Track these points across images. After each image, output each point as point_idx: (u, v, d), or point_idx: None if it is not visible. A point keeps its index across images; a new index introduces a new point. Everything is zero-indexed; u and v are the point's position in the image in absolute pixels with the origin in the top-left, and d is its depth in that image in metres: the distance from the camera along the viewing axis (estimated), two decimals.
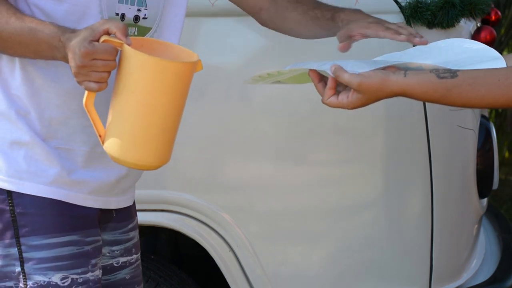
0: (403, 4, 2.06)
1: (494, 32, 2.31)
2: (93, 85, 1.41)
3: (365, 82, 1.49)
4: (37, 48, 1.44)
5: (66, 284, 1.54)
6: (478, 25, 2.34)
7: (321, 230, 2.16)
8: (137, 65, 1.42)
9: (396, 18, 2.07)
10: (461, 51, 1.63)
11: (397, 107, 2.06)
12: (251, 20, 2.05)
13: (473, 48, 1.63)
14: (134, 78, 1.42)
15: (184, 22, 1.86)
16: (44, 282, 1.54)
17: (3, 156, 1.52)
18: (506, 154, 4.93)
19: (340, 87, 1.56)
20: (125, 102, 1.43)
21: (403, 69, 1.54)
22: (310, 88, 1.94)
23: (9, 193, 1.53)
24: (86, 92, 1.43)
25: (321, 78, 1.59)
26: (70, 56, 1.40)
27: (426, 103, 2.09)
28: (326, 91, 1.56)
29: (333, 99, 1.55)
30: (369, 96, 1.51)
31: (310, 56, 2.08)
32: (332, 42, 2.09)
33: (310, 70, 1.59)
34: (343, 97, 1.54)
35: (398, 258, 2.19)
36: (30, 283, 1.54)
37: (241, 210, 2.14)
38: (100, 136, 1.45)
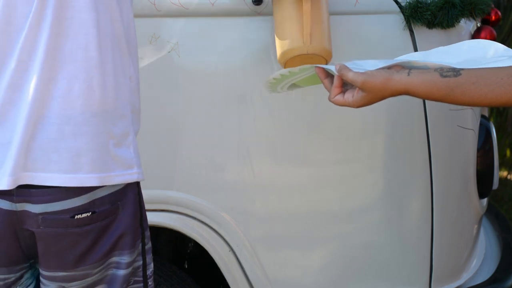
0: (403, 4, 2.06)
1: (494, 32, 2.31)
2: None
3: (369, 81, 1.50)
4: None
5: None
6: (478, 25, 2.34)
7: (321, 230, 2.16)
8: None
9: (396, 18, 2.07)
10: (478, 51, 1.64)
11: (397, 107, 2.06)
12: (252, 20, 2.05)
13: (493, 47, 1.64)
14: None
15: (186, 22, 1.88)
16: (153, 268, 1.64)
17: (136, 149, 1.57)
18: (508, 153, 4.93)
19: (347, 85, 1.57)
20: (319, 9, 1.90)
21: (408, 68, 1.54)
22: (310, 89, 1.95)
23: (139, 184, 1.61)
24: None
25: (328, 74, 1.60)
26: None
27: (426, 103, 2.09)
28: (332, 89, 1.57)
29: (339, 98, 1.57)
30: (373, 94, 1.52)
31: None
32: (337, 44, 2.10)
33: (316, 67, 1.60)
34: (348, 96, 1.55)
35: (398, 258, 2.19)
36: (148, 272, 1.62)
37: (241, 210, 2.14)
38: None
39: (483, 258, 2.49)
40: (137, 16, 2.05)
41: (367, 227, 2.17)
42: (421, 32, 2.07)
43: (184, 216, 2.14)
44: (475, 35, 2.26)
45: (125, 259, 1.55)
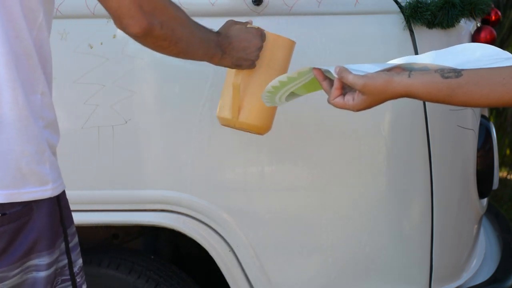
0: (403, 4, 2.06)
1: (494, 32, 2.31)
2: (254, 63, 1.79)
3: (369, 83, 1.49)
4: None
5: None
6: (478, 25, 2.34)
7: (321, 230, 2.16)
8: (281, 46, 1.81)
9: (396, 18, 2.07)
10: (475, 54, 1.63)
11: (397, 107, 2.06)
12: (252, 20, 2.05)
13: (488, 50, 1.63)
14: (278, 58, 1.80)
15: None
16: (81, 263, 1.62)
17: (54, 164, 1.53)
18: (508, 153, 4.93)
19: (346, 88, 1.55)
20: (268, 79, 1.72)
21: (408, 69, 1.53)
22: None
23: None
24: (238, 72, 1.79)
25: (326, 77, 1.58)
26: (242, 45, 1.75)
27: (426, 103, 2.09)
28: (332, 91, 1.55)
29: (339, 100, 1.55)
30: (373, 97, 1.51)
31: (313, 61, 2.09)
32: (337, 44, 2.10)
33: (314, 68, 1.58)
34: (348, 98, 1.53)
35: (398, 258, 2.19)
36: (75, 269, 1.60)
37: (241, 210, 2.14)
38: (238, 109, 1.80)
39: (483, 258, 2.49)
40: None
41: (367, 227, 2.17)
42: (421, 32, 2.07)
43: (184, 216, 2.14)
44: (475, 35, 2.26)
45: (44, 260, 1.52)
